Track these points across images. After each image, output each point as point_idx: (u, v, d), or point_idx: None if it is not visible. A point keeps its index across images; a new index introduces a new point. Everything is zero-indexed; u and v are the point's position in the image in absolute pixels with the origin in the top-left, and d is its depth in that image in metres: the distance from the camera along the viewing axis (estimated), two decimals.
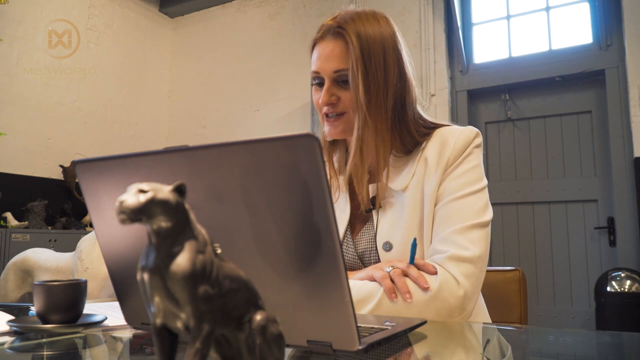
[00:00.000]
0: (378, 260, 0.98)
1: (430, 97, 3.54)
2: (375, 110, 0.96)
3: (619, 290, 2.70)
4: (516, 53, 3.49)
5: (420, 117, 1.04)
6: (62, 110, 3.81)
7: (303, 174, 0.44)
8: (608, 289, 2.72)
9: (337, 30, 0.97)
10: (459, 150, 0.97)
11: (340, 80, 0.98)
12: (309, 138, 0.43)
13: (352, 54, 0.94)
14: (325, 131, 1.03)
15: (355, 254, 1.02)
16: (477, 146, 0.99)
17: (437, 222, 0.94)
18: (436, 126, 1.03)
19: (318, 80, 1.01)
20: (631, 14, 3.04)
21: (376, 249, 0.98)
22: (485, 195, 0.96)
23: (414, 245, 0.90)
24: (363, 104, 0.95)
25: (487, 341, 0.76)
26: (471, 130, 0.99)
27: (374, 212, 1.01)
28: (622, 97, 3.08)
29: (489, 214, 0.94)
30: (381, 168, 1.00)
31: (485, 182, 0.97)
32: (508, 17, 3.57)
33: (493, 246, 3.42)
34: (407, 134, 1.00)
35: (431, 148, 0.99)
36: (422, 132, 1.02)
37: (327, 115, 1.01)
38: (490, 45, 3.61)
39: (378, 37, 0.96)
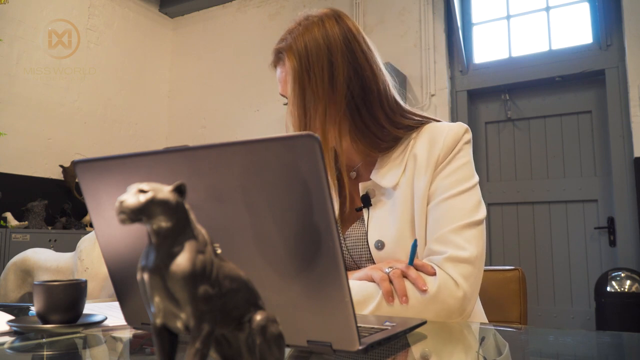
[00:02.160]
0: (370, 259, 0.98)
1: (430, 97, 3.54)
2: (320, 123, 0.97)
3: (619, 290, 2.70)
4: (516, 53, 3.49)
5: (399, 109, 1.02)
6: (62, 110, 3.81)
7: (303, 174, 0.44)
8: (608, 289, 2.72)
9: (278, 56, 1.02)
10: (448, 147, 0.96)
11: None
12: (309, 138, 0.43)
13: (289, 80, 0.98)
14: None
15: (347, 251, 1.02)
16: (467, 142, 0.98)
17: (431, 221, 0.93)
18: (423, 120, 1.02)
19: (286, 101, 1.04)
20: (631, 14, 3.04)
21: (368, 248, 0.98)
22: (477, 193, 0.95)
23: (414, 246, 0.90)
24: (297, 125, 0.98)
25: (482, 339, 0.76)
26: (460, 126, 0.99)
27: (364, 211, 1.01)
28: (622, 97, 3.08)
29: (482, 212, 0.93)
30: (364, 171, 1.01)
31: (476, 178, 0.96)
32: (508, 17, 3.57)
33: (493, 246, 3.42)
34: (380, 132, 0.99)
35: (420, 144, 0.98)
36: (401, 124, 1.00)
37: None
38: (490, 45, 3.61)
39: (322, 45, 0.96)
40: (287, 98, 1.03)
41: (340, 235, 1.04)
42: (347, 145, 1.01)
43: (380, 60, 1.02)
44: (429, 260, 0.90)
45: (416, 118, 1.02)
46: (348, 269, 0.96)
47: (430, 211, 0.94)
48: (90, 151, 3.93)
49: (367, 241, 0.98)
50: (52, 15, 3.78)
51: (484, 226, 0.93)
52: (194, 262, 0.34)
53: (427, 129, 1.00)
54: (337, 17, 0.99)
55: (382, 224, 0.97)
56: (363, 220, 1.01)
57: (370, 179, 1.01)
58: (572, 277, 3.23)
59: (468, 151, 0.98)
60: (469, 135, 0.99)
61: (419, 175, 0.96)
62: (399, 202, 0.96)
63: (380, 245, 0.96)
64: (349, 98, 0.96)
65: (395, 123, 1.00)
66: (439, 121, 1.03)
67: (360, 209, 1.01)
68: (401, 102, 1.04)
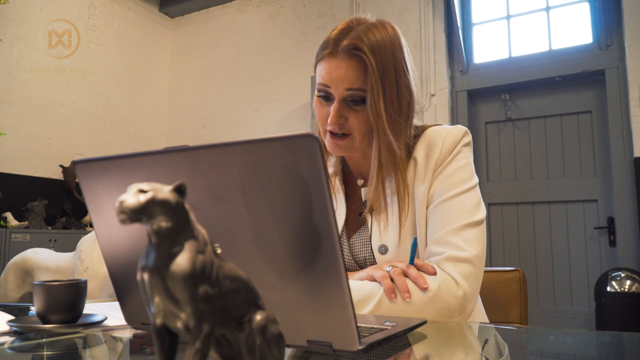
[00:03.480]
0: (374, 263, 0.98)
1: (430, 97, 3.54)
2: (395, 134, 0.93)
3: (619, 290, 2.70)
4: (516, 53, 3.49)
5: (413, 125, 1.03)
6: (62, 110, 3.81)
7: (303, 174, 0.44)
8: (608, 289, 2.72)
9: (353, 51, 0.92)
10: (447, 150, 0.96)
11: (350, 100, 0.93)
12: (309, 138, 0.43)
13: (371, 78, 0.90)
14: (327, 147, 0.99)
15: (351, 256, 1.02)
16: (466, 145, 0.98)
17: (430, 223, 0.93)
18: (424, 128, 1.03)
19: (324, 94, 0.96)
20: (631, 14, 3.04)
21: (372, 253, 0.98)
22: (476, 193, 0.95)
23: (414, 245, 0.90)
24: (388, 130, 0.92)
25: (486, 341, 0.76)
26: (459, 129, 0.99)
27: (367, 216, 1.01)
28: (622, 97, 3.08)
29: (482, 212, 0.93)
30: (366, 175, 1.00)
31: (476, 180, 0.96)
32: (508, 17, 3.57)
33: (493, 246, 3.42)
34: (406, 146, 0.99)
35: (420, 148, 0.98)
36: (413, 141, 1.01)
37: (331, 132, 0.97)
38: (490, 45, 3.61)
39: (389, 53, 0.92)
40: (328, 92, 0.95)
41: (339, 234, 1.04)
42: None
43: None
44: (429, 261, 0.90)
45: (420, 127, 1.03)
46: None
47: (429, 214, 0.94)
48: (90, 151, 3.93)
49: (371, 246, 0.98)
50: (52, 15, 3.78)
51: (483, 226, 0.93)
52: (194, 262, 0.34)
53: (427, 133, 1.00)
54: (391, 25, 0.98)
55: (384, 229, 0.97)
56: (367, 225, 1.01)
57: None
58: (572, 277, 3.23)
59: (467, 153, 0.98)
60: (468, 138, 0.99)
61: (419, 179, 0.96)
62: (401, 206, 0.96)
63: (383, 250, 0.96)
64: (409, 113, 0.96)
65: (411, 140, 1.00)
66: (438, 125, 1.03)
67: (362, 214, 1.02)
68: (416, 121, 1.04)
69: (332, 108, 0.94)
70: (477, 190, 0.96)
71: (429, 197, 0.95)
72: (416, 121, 1.05)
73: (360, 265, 1.01)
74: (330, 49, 0.94)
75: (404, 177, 0.96)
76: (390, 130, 0.92)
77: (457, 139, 0.97)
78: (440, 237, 0.90)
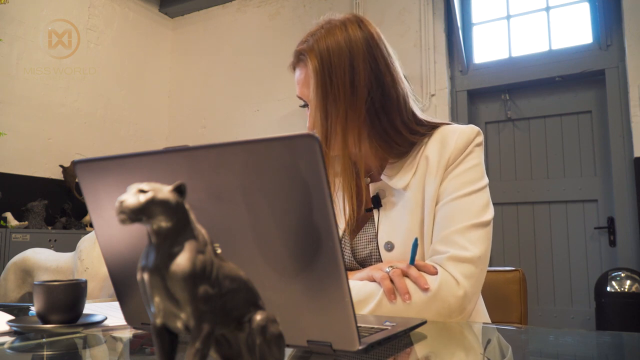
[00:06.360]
0: (380, 260, 0.98)
1: (430, 97, 3.54)
2: (326, 133, 0.96)
3: (619, 290, 2.70)
4: (516, 53, 3.49)
5: (415, 117, 1.01)
6: (62, 110, 3.81)
7: (303, 174, 0.44)
8: (608, 289, 2.72)
9: (299, 57, 0.99)
10: (459, 149, 0.96)
11: None
12: (309, 138, 0.43)
13: (312, 82, 0.96)
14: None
15: (351, 255, 1.02)
16: (478, 145, 0.98)
17: (437, 221, 0.94)
18: (436, 125, 1.02)
19: (304, 104, 1.03)
20: (631, 14, 3.04)
21: (378, 249, 0.98)
22: (486, 194, 0.95)
23: (414, 245, 0.90)
24: (319, 128, 0.96)
25: (488, 341, 0.76)
26: (472, 128, 0.99)
27: (375, 212, 1.01)
28: (622, 97, 3.08)
29: (489, 213, 0.94)
30: (375, 172, 1.01)
31: (486, 180, 0.97)
32: (508, 17, 3.57)
33: (493, 246, 3.39)
34: (398, 138, 0.98)
35: (432, 146, 0.98)
36: (417, 131, 1.00)
37: None
38: (490, 45, 3.61)
39: (344, 49, 0.94)
40: (304, 100, 1.02)
41: (339, 234, 1.04)
42: (366, 150, 1.01)
43: (400, 68, 1.01)
44: (432, 260, 0.90)
45: (430, 123, 1.02)
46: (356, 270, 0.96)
47: (437, 211, 0.94)
48: (90, 151, 3.93)
49: (377, 243, 0.98)
50: (52, 15, 3.78)
51: (490, 228, 0.93)
52: (194, 262, 0.34)
53: (439, 131, 1.00)
54: (359, 22, 0.99)
55: (392, 226, 0.97)
56: (374, 221, 1.01)
57: (381, 180, 1.01)
58: (572, 277, 3.23)
59: (479, 154, 0.98)
60: (480, 138, 0.99)
61: (430, 177, 0.96)
62: (409, 204, 0.97)
63: (390, 247, 0.96)
64: (369, 103, 0.96)
65: (411, 129, 1.00)
66: (450, 124, 1.03)
67: (370, 210, 1.01)
68: (418, 111, 1.03)
69: (308, 114, 1.01)
70: (487, 191, 0.96)
71: (438, 194, 0.95)
72: (427, 116, 1.04)
73: (365, 263, 1.01)
74: (294, 58, 1.02)
75: (349, 174, 0.99)
76: (323, 128, 0.96)
77: (469, 139, 0.97)
78: (445, 236, 0.90)
